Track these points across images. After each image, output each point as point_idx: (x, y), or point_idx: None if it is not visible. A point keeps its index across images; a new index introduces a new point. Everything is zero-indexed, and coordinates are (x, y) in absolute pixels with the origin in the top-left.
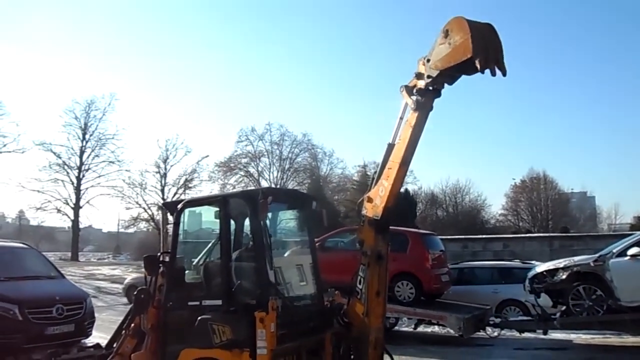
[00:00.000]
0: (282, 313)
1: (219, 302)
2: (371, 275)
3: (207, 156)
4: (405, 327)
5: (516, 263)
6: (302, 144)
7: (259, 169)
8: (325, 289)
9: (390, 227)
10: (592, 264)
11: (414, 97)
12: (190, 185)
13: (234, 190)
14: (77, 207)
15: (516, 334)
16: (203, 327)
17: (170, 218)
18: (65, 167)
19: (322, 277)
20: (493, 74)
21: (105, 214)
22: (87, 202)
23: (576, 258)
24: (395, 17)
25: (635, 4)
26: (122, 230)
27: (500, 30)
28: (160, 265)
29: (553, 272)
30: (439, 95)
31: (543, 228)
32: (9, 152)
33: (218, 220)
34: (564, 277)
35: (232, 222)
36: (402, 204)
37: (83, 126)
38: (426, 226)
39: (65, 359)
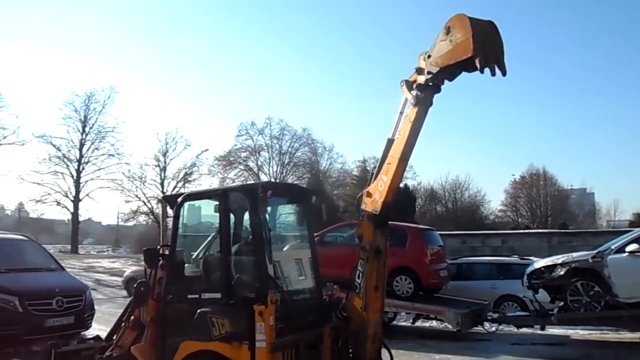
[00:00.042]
0: (281, 306)
1: (219, 295)
2: (370, 270)
3: (207, 150)
4: (404, 321)
5: (514, 259)
6: (301, 138)
7: (259, 163)
8: (324, 283)
9: (389, 222)
10: (590, 260)
11: (414, 92)
12: (189, 178)
13: (234, 184)
14: (76, 200)
15: (514, 329)
16: (202, 320)
17: (170, 211)
18: (65, 159)
19: (321, 272)
20: (493, 73)
21: (105, 207)
22: (87, 194)
23: (574, 254)
24: (396, 11)
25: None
26: (121, 223)
27: (500, 26)
28: (160, 258)
29: (551, 268)
30: (438, 90)
31: (542, 224)
32: (9, 144)
33: (218, 214)
34: (562, 273)
35: (232, 215)
36: (402, 199)
37: (83, 119)
38: (425, 221)
39: (65, 350)
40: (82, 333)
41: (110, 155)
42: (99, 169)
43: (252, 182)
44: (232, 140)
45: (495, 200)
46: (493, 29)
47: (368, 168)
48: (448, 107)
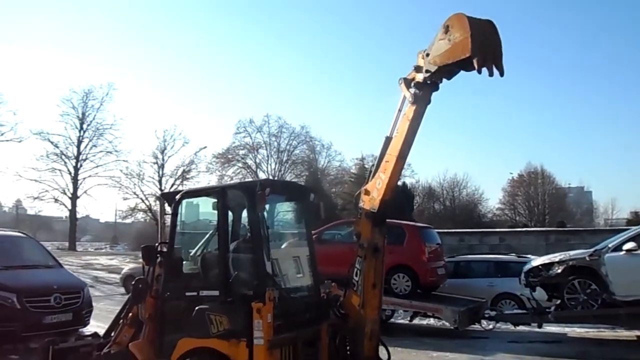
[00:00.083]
0: (279, 304)
1: (217, 292)
2: (367, 268)
3: (205, 147)
4: (401, 319)
5: (512, 257)
6: (300, 136)
7: (257, 160)
8: (322, 281)
9: (387, 220)
10: (587, 259)
11: (412, 90)
12: (187, 176)
13: (232, 181)
14: (74, 197)
15: (511, 327)
16: (200, 317)
17: (168, 209)
18: (63, 156)
19: (319, 269)
20: (490, 74)
21: (103, 204)
22: (85, 192)
23: (572, 252)
24: (395, 9)
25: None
26: (119, 220)
27: (499, 25)
28: (158, 255)
29: (548, 266)
30: (436, 89)
31: (540, 222)
32: (7, 141)
33: (216, 212)
34: (559, 271)
35: (230, 213)
36: (400, 197)
37: (81, 116)
38: (423, 219)
39: (63, 347)
40: (80, 330)
41: (108, 152)
42: (97, 166)
43: (250, 179)
44: (230, 137)
45: (493, 199)
46: (492, 29)
47: (366, 166)
48: (446, 105)
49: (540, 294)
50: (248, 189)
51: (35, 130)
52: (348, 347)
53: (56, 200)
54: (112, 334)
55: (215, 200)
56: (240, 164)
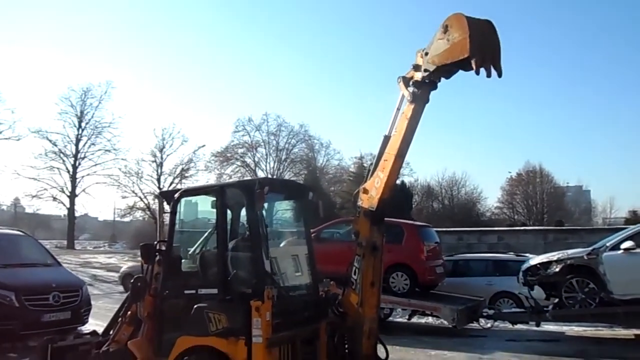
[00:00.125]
0: (277, 302)
1: (215, 290)
2: (366, 266)
3: (204, 146)
4: (400, 317)
5: (510, 256)
6: (299, 134)
7: (256, 159)
8: (320, 279)
9: (386, 219)
10: (585, 257)
11: (411, 89)
12: (186, 174)
13: (231, 180)
14: (73, 195)
15: (509, 325)
16: (199, 315)
17: (167, 207)
18: (61, 155)
19: (318, 268)
20: (488, 75)
21: (101, 202)
22: (83, 190)
23: (570, 251)
24: (394, 8)
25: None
26: (118, 219)
27: (499, 24)
28: (157, 253)
29: (547, 264)
30: (435, 87)
31: (538, 221)
32: (5, 139)
33: (215, 210)
34: (557, 269)
35: (229, 211)
36: (398, 195)
37: (79, 114)
38: (422, 218)
39: (61, 345)
40: (79, 328)
41: (106, 150)
42: (96, 165)
43: (249, 178)
44: (229, 136)
45: (491, 197)
46: (491, 29)
47: (365, 165)
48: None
49: (538, 292)
50: (247, 188)
51: (34, 128)
52: (346, 346)
53: (54, 199)
54: (111, 332)
55: (214, 198)
56: (239, 163)
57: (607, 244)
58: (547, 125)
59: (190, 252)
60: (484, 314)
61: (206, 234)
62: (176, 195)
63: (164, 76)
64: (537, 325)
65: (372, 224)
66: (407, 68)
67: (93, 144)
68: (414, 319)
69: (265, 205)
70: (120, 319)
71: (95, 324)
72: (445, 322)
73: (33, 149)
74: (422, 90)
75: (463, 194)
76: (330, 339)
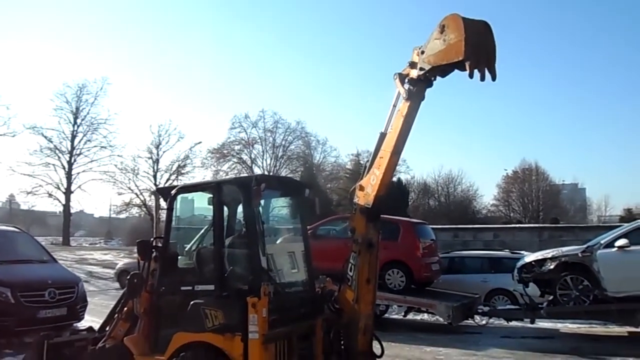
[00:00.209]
0: (273, 299)
1: (212, 287)
2: (362, 263)
3: (200, 142)
4: (395, 314)
5: (505, 253)
6: (295, 131)
7: (252, 156)
8: (316, 276)
9: (382, 216)
10: (580, 255)
11: (406, 86)
12: (182, 171)
13: (227, 177)
14: (68, 192)
15: (504, 322)
16: (196, 312)
17: (164, 204)
18: (57, 151)
19: (314, 264)
20: (482, 78)
21: (97, 199)
22: (79, 186)
23: (564, 249)
24: (392, 5)
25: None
26: (113, 215)
27: (496, 24)
28: (153, 250)
29: (541, 262)
30: (430, 85)
31: (534, 219)
32: (0, 135)
33: (211, 207)
34: (552, 267)
35: (225, 208)
36: (395, 193)
37: (74, 110)
38: (418, 215)
39: (57, 341)
40: (75, 324)
41: (102, 147)
42: (91, 161)
43: (246, 175)
44: (225, 132)
45: (487, 195)
46: (487, 31)
47: (361, 162)
48: (441, 101)
49: (533, 289)
50: (243, 184)
51: (29, 124)
52: (342, 342)
53: (50, 195)
54: (107, 329)
55: (211, 195)
56: (235, 159)
57: (602, 242)
58: (543, 123)
59: (186, 249)
60: (479, 310)
61: (203, 231)
62: (173, 192)
63: (160, 73)
64: (532, 322)
65: (368, 220)
66: (403, 64)
67: (89, 140)
68: (410, 316)
69: (262, 202)
70: (116, 315)
71: (91, 320)
72: (441, 319)
73: (28, 145)
74: (418, 87)
75: (459, 192)
76: (326, 335)
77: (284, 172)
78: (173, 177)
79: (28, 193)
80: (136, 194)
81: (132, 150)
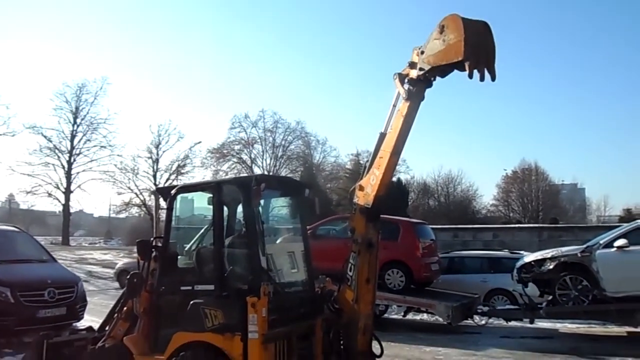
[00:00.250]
0: (273, 298)
1: (212, 287)
2: (361, 263)
3: (200, 142)
4: (395, 314)
5: (505, 253)
6: (295, 131)
7: (252, 155)
8: (316, 276)
9: (382, 216)
10: (579, 255)
11: (406, 87)
12: (182, 171)
13: (227, 176)
14: (68, 192)
15: (503, 322)
16: (195, 311)
17: (163, 203)
18: (56, 151)
19: (314, 264)
20: (482, 79)
21: (97, 198)
22: (78, 186)
23: (564, 249)
24: (392, 5)
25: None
26: (113, 215)
27: (496, 24)
28: (153, 250)
29: (541, 262)
30: (430, 85)
31: (533, 219)
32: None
33: (211, 207)
34: (551, 267)
35: (225, 208)
36: (394, 193)
37: (74, 110)
38: (418, 215)
39: (57, 341)
40: (74, 324)
41: (102, 146)
42: (91, 161)
43: (246, 174)
44: (225, 132)
45: (487, 195)
46: (486, 31)
47: (361, 162)
48: (441, 101)
49: (532, 289)
50: (243, 184)
51: (29, 124)
52: (342, 342)
53: (49, 195)
54: (107, 328)
55: (211, 195)
56: (235, 159)
57: (601, 242)
58: (542, 123)
59: (186, 249)
60: (479, 310)
61: (202, 231)
62: (172, 192)
63: (160, 72)
64: (531, 322)
65: (367, 220)
66: (403, 64)
67: (88, 140)
68: (409, 316)
69: (262, 202)
70: (116, 314)
71: (90, 320)
72: (440, 319)
73: (28, 144)
74: (418, 87)
75: (459, 192)
76: (326, 335)
77: (283, 172)
78: (173, 176)
79: (27, 193)
80: (136, 193)
81: (132, 150)
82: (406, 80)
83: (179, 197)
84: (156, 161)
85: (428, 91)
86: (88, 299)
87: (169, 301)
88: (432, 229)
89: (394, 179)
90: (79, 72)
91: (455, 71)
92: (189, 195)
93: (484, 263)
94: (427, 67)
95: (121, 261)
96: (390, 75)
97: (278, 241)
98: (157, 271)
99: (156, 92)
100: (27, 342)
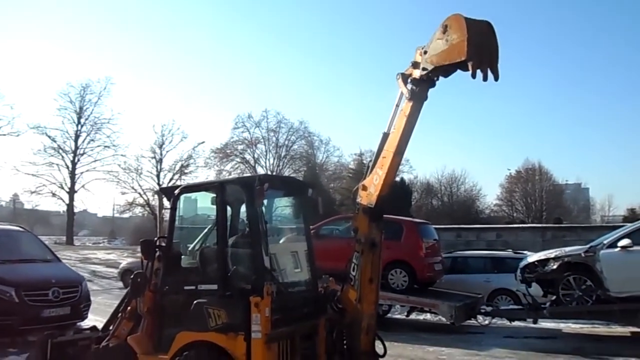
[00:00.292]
0: (276, 298)
1: (215, 286)
2: (365, 263)
3: (203, 142)
4: (398, 314)
5: (508, 253)
6: (298, 131)
7: (255, 155)
8: (319, 276)
9: (385, 216)
10: (582, 255)
11: (409, 86)
12: (186, 171)
13: (231, 176)
14: (72, 192)
15: (507, 322)
16: (199, 311)
17: (167, 203)
18: (61, 151)
19: (317, 264)
20: (485, 79)
21: (101, 198)
22: (82, 186)
23: (567, 249)
24: (392, 4)
25: None
26: (117, 215)
27: (499, 23)
28: (157, 250)
29: (544, 262)
30: (433, 85)
31: (537, 219)
32: (4, 135)
33: (214, 206)
34: (554, 267)
35: (229, 208)
36: (398, 192)
37: (78, 110)
38: (421, 215)
39: (61, 340)
40: (78, 324)
41: (106, 146)
42: (95, 161)
43: (249, 174)
44: (228, 132)
45: (490, 195)
46: (490, 31)
47: (364, 161)
48: (444, 101)
49: (535, 289)
50: (247, 184)
51: (33, 124)
52: (345, 342)
53: (54, 195)
54: (111, 328)
55: (214, 195)
56: (238, 159)
57: (605, 242)
58: (546, 123)
59: (190, 248)
60: (482, 310)
61: (206, 230)
62: (176, 192)
63: (164, 73)
64: (535, 322)
65: (371, 220)
66: (406, 64)
67: (92, 140)
68: (412, 316)
69: (265, 201)
70: (120, 314)
71: (94, 319)
72: (444, 319)
73: (32, 145)
74: (421, 87)
75: (462, 191)
76: (329, 335)
77: (287, 172)
78: (176, 176)
79: (32, 192)
80: (139, 193)
81: (136, 149)
82: (409, 80)
83: (182, 197)
84: (160, 161)
85: (431, 91)
86: (92, 298)
87: (173, 301)
88: (436, 228)
89: (397, 178)
90: (83, 72)
91: (459, 71)
92: (193, 195)
93: (488, 263)
94: (430, 67)
95: (125, 261)
96: (391, 74)
97: (281, 241)
98: (160, 271)
99: (160, 92)
100: (32, 342)
